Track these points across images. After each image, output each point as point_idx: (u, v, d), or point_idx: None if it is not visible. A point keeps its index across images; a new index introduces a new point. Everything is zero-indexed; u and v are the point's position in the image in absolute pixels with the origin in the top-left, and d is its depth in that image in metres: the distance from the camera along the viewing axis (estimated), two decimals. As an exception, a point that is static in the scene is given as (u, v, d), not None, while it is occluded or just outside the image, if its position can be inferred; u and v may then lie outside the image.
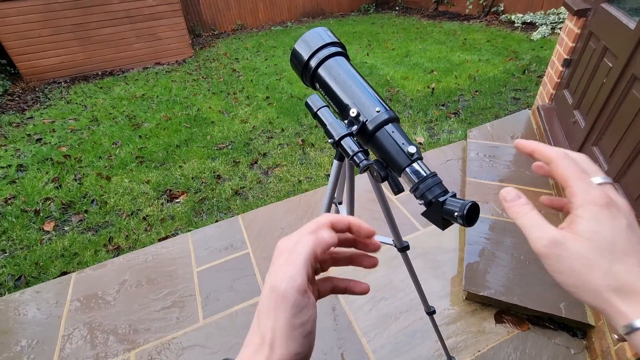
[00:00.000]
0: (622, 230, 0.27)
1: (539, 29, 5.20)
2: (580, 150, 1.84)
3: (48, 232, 2.29)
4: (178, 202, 2.47)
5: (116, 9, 5.48)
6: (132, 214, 2.38)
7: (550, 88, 2.50)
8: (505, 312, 1.50)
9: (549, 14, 5.44)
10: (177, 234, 2.17)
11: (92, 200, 2.55)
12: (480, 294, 1.48)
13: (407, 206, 2.11)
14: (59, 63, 5.51)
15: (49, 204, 2.54)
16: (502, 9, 6.33)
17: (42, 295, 1.78)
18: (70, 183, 2.76)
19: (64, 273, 1.94)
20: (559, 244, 0.28)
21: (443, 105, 3.49)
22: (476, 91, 3.67)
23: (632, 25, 1.54)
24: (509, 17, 6.07)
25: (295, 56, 0.71)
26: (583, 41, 2.12)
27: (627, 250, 0.27)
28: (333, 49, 0.68)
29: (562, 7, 3.11)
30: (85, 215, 2.41)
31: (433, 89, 3.83)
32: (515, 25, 5.79)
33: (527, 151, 0.34)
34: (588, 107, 1.88)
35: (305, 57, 0.69)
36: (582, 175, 0.29)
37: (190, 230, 2.14)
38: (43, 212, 2.46)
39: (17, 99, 4.82)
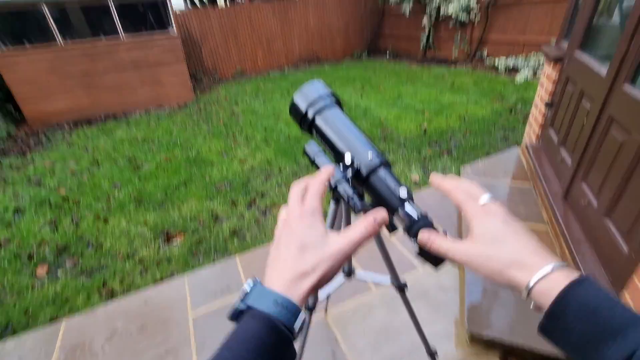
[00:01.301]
0: (498, 225, 0.38)
1: (521, 72, 5.54)
2: (569, 187, 1.90)
3: (40, 277, 2.24)
4: (175, 244, 2.45)
5: (123, 58, 5.81)
6: (128, 257, 2.35)
7: (536, 127, 2.62)
8: (510, 352, 1.45)
9: (529, 59, 5.82)
10: (173, 275, 2.13)
11: (88, 243, 2.53)
12: (484, 334, 1.44)
13: (405, 244, 2.11)
14: (63, 108, 5.71)
15: (44, 247, 2.51)
16: (485, 54, 6.78)
17: (28, 345, 1.70)
18: (67, 226, 2.75)
19: (54, 319, 1.87)
20: (466, 251, 0.38)
21: (436, 144, 3.61)
22: (467, 131, 3.82)
23: (603, 71, 1.67)
24: (492, 62, 6.48)
25: (293, 106, 0.76)
26: (561, 85, 2.27)
27: (506, 237, 0.36)
28: (329, 100, 0.74)
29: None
30: (80, 258, 2.38)
31: (425, 128, 3.99)
32: (499, 69, 6.17)
33: (435, 185, 0.46)
34: (572, 145, 1.97)
35: (304, 107, 0.74)
36: (469, 198, 0.41)
37: (187, 273, 2.10)
38: (37, 256, 2.42)
39: (20, 142, 4.93)
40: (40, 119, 5.60)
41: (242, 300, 0.34)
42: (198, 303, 1.86)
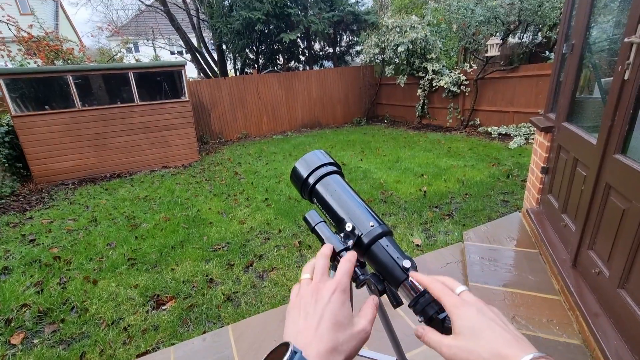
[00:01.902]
0: (473, 315, 0.40)
1: (514, 139, 5.78)
2: (577, 254, 1.84)
3: (14, 345, 2.06)
4: (165, 309, 2.30)
5: (135, 121, 6.14)
6: (112, 324, 2.19)
7: (535, 193, 2.64)
8: None
9: (520, 127, 6.13)
10: (159, 348, 1.96)
11: (72, 307, 2.38)
12: None
13: (410, 315, 1.98)
14: (71, 166, 5.87)
15: (25, 311, 2.36)
16: (478, 122, 7.17)
17: None
18: (53, 287, 2.62)
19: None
20: (452, 346, 0.39)
21: (436, 207, 3.61)
22: (466, 194, 3.85)
23: (593, 140, 1.74)
24: (485, 129, 6.82)
25: (295, 173, 0.77)
26: (555, 152, 2.35)
27: (482, 328, 0.38)
28: (330, 168, 0.75)
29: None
30: (61, 325, 2.21)
31: (425, 191, 4.03)
32: (493, 135, 6.46)
33: (415, 280, 0.50)
34: (574, 211, 1.96)
35: (305, 175, 0.75)
36: (446, 290, 0.44)
37: (174, 344, 1.94)
38: (15, 321, 2.26)
39: (21, 199, 4.96)
40: (47, 177, 5.72)
41: None
42: (183, 381, 1.68)
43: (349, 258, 0.49)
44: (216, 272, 2.70)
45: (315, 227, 0.63)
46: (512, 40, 7.32)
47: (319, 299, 0.42)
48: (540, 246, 2.34)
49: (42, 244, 3.41)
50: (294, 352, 0.36)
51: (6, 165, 5.42)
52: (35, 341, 2.09)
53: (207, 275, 2.66)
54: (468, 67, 7.09)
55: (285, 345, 0.37)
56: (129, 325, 2.16)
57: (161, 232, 3.48)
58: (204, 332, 2.04)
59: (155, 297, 2.44)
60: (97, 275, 2.75)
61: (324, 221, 0.65)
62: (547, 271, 2.11)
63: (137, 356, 1.90)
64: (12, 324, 2.23)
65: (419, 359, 1.67)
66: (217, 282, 2.57)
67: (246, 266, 2.77)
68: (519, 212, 3.02)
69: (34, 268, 2.92)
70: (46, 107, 5.60)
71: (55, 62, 7.44)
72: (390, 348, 0.90)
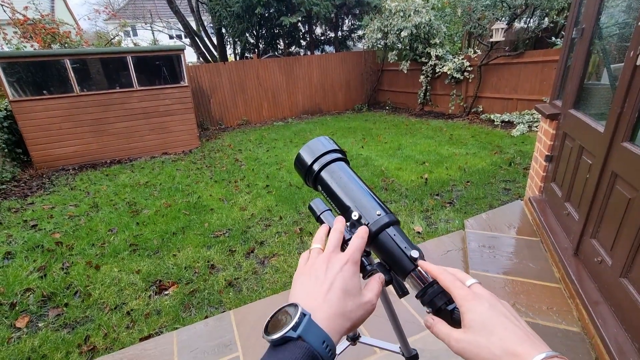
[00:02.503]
0: (485, 309, 0.39)
1: (517, 127, 5.72)
2: (579, 243, 1.84)
3: (19, 329, 2.09)
4: (167, 294, 2.32)
5: (135, 107, 6.07)
6: (115, 308, 2.22)
7: (538, 181, 2.63)
8: None
9: (523, 114, 6.06)
10: (162, 332, 1.99)
11: (76, 292, 2.40)
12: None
13: (411, 302, 1.99)
14: (71, 152, 5.83)
15: (29, 295, 2.38)
16: (481, 109, 7.08)
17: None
18: (56, 272, 2.64)
19: (26, 381, 1.70)
20: (461, 340, 0.39)
21: (437, 194, 3.60)
22: (467, 182, 3.84)
23: (600, 128, 1.71)
24: (488, 117, 6.74)
25: (299, 160, 0.75)
26: (560, 140, 2.31)
27: (494, 324, 0.37)
28: (335, 155, 0.73)
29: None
30: (65, 309, 2.24)
31: (426, 179, 4.01)
32: (495, 123, 6.39)
33: (424, 269, 0.48)
34: (578, 200, 1.95)
35: (309, 162, 0.73)
36: (456, 282, 0.43)
37: (177, 328, 1.96)
38: (20, 305, 2.28)
39: (22, 185, 4.95)
40: (47, 163, 5.69)
41: (294, 328, 0.35)
42: (186, 364, 1.70)
43: (361, 235, 0.50)
44: (217, 258, 2.71)
45: (321, 216, 0.62)
46: (517, 25, 7.15)
47: (330, 267, 0.43)
48: (541, 234, 2.34)
49: (44, 229, 3.42)
50: (303, 314, 0.36)
51: (6, 150, 5.39)
52: (40, 324, 2.12)
53: (208, 261, 2.67)
54: (472, 52, 6.95)
55: (293, 306, 0.37)
56: (131, 310, 2.19)
57: (162, 219, 3.49)
58: (206, 317, 2.06)
59: (158, 282, 2.45)
60: (99, 261, 2.77)
61: (330, 209, 0.64)
62: (548, 259, 2.12)
63: (141, 340, 1.92)
64: (17, 308, 2.26)
65: (419, 345, 1.69)
66: (219, 268, 2.59)
67: (247, 252, 2.78)
68: (521, 200, 3.02)
69: (37, 253, 2.94)
70: (44, 92, 5.52)
71: (52, 45, 7.30)
72: (393, 336, 0.90)
